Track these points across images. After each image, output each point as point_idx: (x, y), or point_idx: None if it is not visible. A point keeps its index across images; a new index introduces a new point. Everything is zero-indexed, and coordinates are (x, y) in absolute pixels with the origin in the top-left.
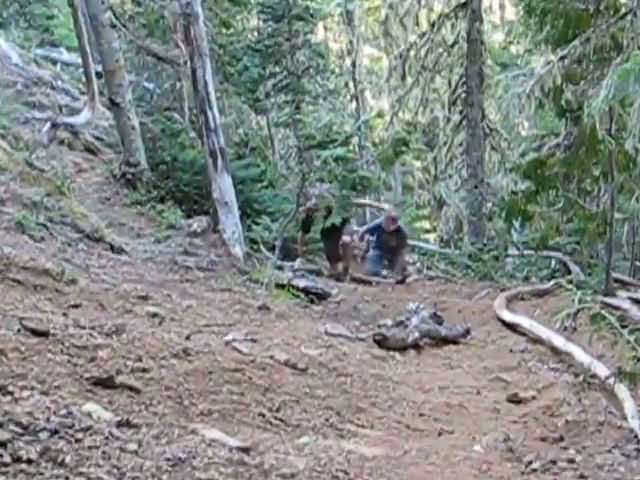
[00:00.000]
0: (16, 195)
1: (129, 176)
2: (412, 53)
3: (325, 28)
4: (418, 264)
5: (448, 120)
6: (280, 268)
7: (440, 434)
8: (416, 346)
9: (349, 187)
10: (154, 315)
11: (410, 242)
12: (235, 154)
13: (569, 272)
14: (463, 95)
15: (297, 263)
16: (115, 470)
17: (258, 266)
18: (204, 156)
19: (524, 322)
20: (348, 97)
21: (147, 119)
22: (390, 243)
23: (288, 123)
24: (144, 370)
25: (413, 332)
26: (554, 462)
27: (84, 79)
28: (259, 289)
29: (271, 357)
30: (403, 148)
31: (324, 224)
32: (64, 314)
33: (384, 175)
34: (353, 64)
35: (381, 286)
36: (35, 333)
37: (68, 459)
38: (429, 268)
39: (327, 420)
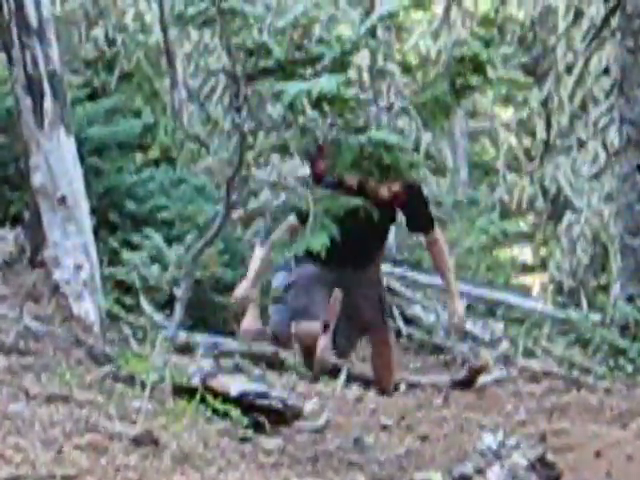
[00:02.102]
0: None
1: None
2: None
3: None
4: (504, 344)
5: (575, 18)
6: (186, 349)
7: None
8: None
9: (349, 168)
10: None
11: (484, 292)
12: (85, 87)
13: None
14: None
15: (247, 326)
16: None
17: (135, 344)
18: (13, 91)
19: None
20: None
21: None
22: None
23: (208, 18)
24: None
25: None
26: None
27: None
28: (136, 397)
29: None
30: (473, 79)
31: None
32: None
33: (429, 140)
34: None
35: (418, 391)
36: None
37: None
38: (530, 353)
39: None
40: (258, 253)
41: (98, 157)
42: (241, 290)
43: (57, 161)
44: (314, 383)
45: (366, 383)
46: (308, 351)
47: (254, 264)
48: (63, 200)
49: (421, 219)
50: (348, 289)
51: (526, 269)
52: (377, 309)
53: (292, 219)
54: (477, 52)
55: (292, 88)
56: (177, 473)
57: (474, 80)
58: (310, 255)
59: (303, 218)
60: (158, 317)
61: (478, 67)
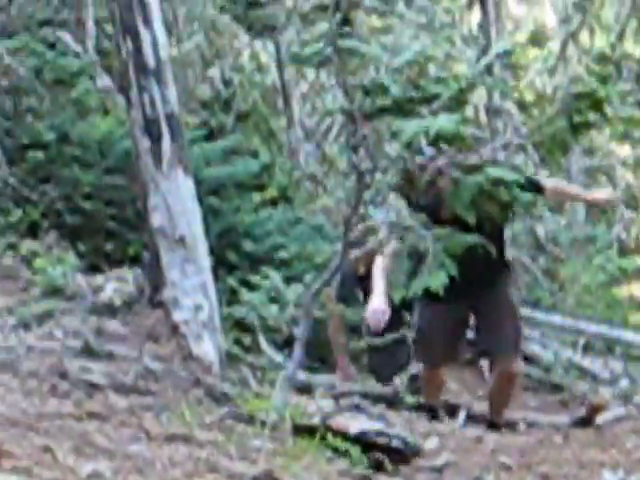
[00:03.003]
0: None
1: None
2: None
3: None
4: (623, 381)
5: None
6: (305, 389)
7: None
8: None
9: (468, 207)
10: None
11: (603, 330)
12: (202, 127)
13: None
14: None
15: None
16: None
17: (254, 384)
18: (130, 133)
19: None
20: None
21: None
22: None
23: (324, 58)
24: None
25: None
26: None
27: None
28: (256, 436)
29: None
30: (591, 116)
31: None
32: None
33: (546, 175)
34: None
35: (538, 430)
36: None
37: None
38: None
39: None
40: (379, 264)
41: (216, 197)
42: (380, 304)
43: (176, 201)
44: (435, 421)
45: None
46: (433, 395)
47: (378, 276)
48: (182, 240)
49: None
50: (477, 310)
51: None
52: (511, 335)
53: (395, 245)
54: (595, 89)
55: (410, 127)
56: None
57: (592, 117)
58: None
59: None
60: (277, 357)
61: (596, 104)
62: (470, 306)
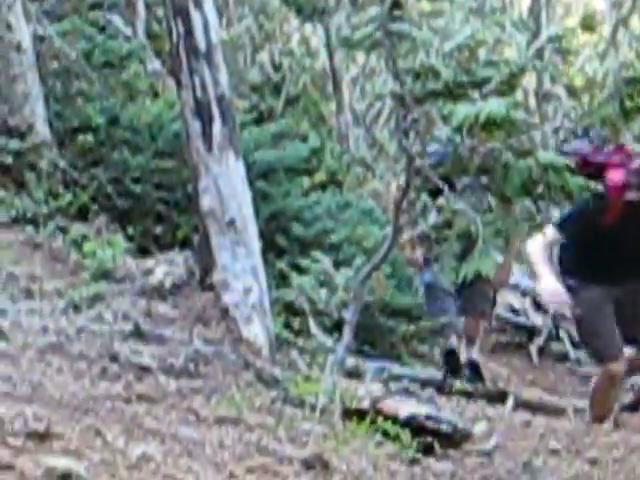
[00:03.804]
0: None
1: (5, 157)
2: None
3: None
4: None
5: None
6: (355, 372)
7: None
8: None
9: (518, 191)
10: (64, 478)
11: None
12: (252, 111)
13: None
14: None
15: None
16: None
17: (303, 367)
18: (181, 116)
19: None
20: None
21: (49, 28)
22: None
23: (375, 42)
24: None
25: None
26: None
27: None
28: (306, 419)
29: None
30: None
31: (460, 270)
32: None
33: None
34: None
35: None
36: None
37: None
38: None
39: None
40: (532, 249)
41: (265, 181)
42: (554, 287)
43: (226, 184)
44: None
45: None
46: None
47: (538, 260)
48: (232, 223)
49: None
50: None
51: None
52: None
53: (551, 232)
54: None
55: (461, 111)
56: None
57: None
58: (581, 272)
59: (563, 230)
60: (327, 340)
61: None
62: (622, 296)
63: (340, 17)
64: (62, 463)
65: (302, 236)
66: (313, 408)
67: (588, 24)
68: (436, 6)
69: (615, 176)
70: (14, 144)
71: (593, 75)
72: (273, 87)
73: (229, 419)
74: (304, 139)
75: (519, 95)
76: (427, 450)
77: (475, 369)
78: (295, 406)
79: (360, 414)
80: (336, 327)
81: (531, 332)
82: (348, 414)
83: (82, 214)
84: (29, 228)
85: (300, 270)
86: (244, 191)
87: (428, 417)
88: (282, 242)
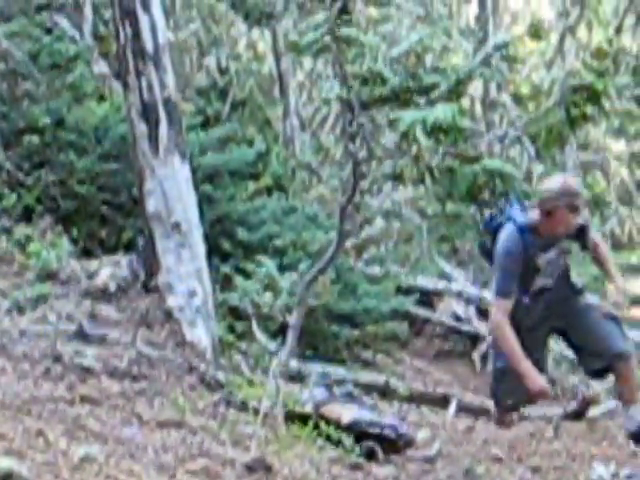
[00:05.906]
0: None
1: None
2: None
3: None
4: None
5: None
6: (298, 376)
7: None
8: None
9: (463, 195)
10: (6, 479)
11: None
12: (198, 115)
13: None
14: None
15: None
16: None
17: (247, 371)
18: (127, 118)
19: None
20: None
21: None
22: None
23: (322, 46)
24: None
25: None
26: None
27: None
28: (249, 423)
29: None
30: (588, 109)
31: None
32: None
33: (541, 171)
34: None
35: (529, 423)
36: None
37: None
38: None
39: None
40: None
41: (210, 185)
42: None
43: (171, 187)
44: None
45: (475, 414)
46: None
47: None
48: (177, 226)
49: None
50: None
51: (637, 302)
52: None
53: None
54: (593, 82)
55: (408, 116)
56: None
57: (589, 110)
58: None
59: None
60: (270, 344)
61: (593, 97)
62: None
63: (287, 22)
64: (4, 463)
65: (247, 240)
66: (256, 412)
67: (535, 32)
68: (383, 12)
69: None
70: None
71: (540, 83)
72: (219, 91)
73: (172, 422)
74: (250, 143)
75: (465, 102)
76: (370, 455)
77: None
78: (238, 410)
79: (303, 418)
80: (280, 331)
81: (474, 339)
82: (291, 418)
83: (27, 215)
84: None
85: (245, 274)
86: (189, 194)
87: (371, 422)
88: (227, 246)
